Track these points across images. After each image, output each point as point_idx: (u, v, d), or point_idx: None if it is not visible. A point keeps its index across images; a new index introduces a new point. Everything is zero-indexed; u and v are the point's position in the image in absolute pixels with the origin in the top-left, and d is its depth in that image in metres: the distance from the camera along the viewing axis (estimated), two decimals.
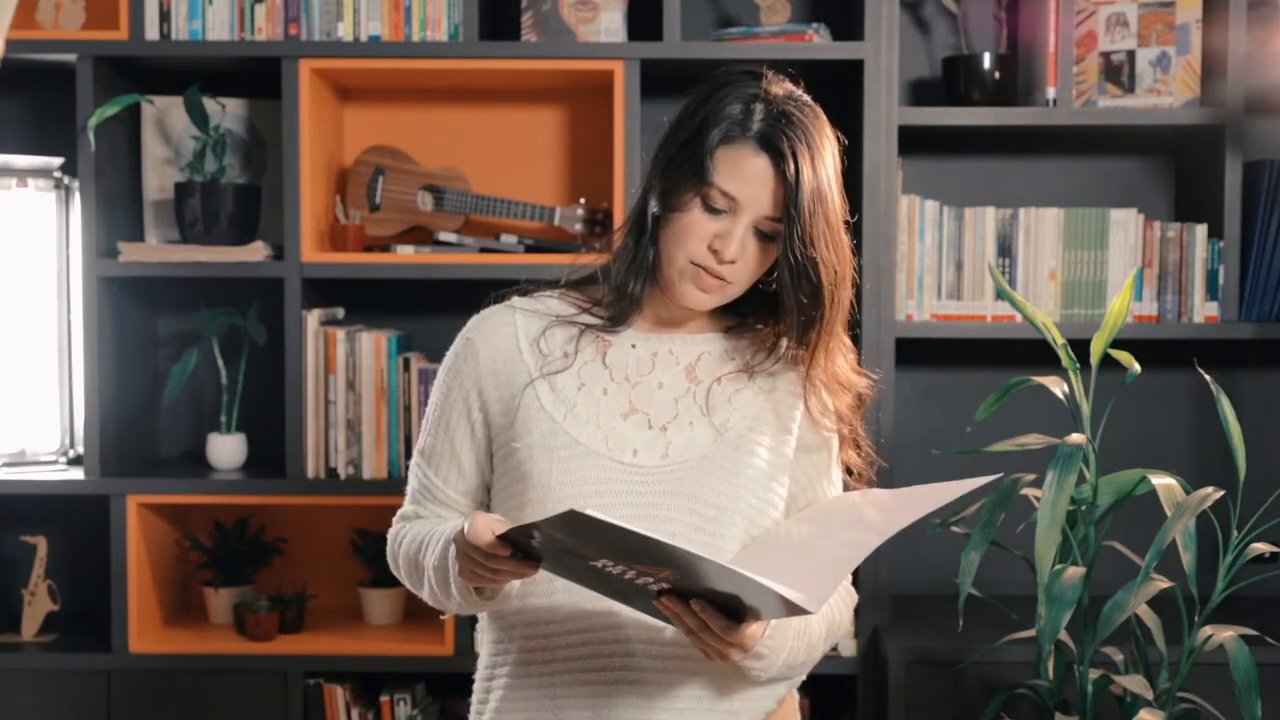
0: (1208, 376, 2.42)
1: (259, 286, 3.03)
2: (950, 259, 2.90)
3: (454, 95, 3.11)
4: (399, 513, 1.75)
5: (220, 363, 3.01)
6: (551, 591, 1.62)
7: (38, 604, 2.95)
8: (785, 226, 1.57)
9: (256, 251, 2.87)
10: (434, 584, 1.62)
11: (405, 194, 3.02)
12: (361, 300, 3.11)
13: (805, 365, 1.65)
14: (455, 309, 3.10)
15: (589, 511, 1.32)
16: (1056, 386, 2.39)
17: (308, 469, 2.87)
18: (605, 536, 1.36)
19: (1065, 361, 2.34)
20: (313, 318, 2.87)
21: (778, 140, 1.56)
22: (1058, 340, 2.38)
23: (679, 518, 1.60)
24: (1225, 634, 2.28)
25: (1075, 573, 2.24)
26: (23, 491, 2.88)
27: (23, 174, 2.94)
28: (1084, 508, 2.37)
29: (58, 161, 2.98)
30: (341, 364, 2.88)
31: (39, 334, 2.97)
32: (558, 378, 1.65)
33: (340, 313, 3.07)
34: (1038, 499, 2.28)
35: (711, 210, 1.58)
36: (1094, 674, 2.38)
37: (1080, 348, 2.39)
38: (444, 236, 2.94)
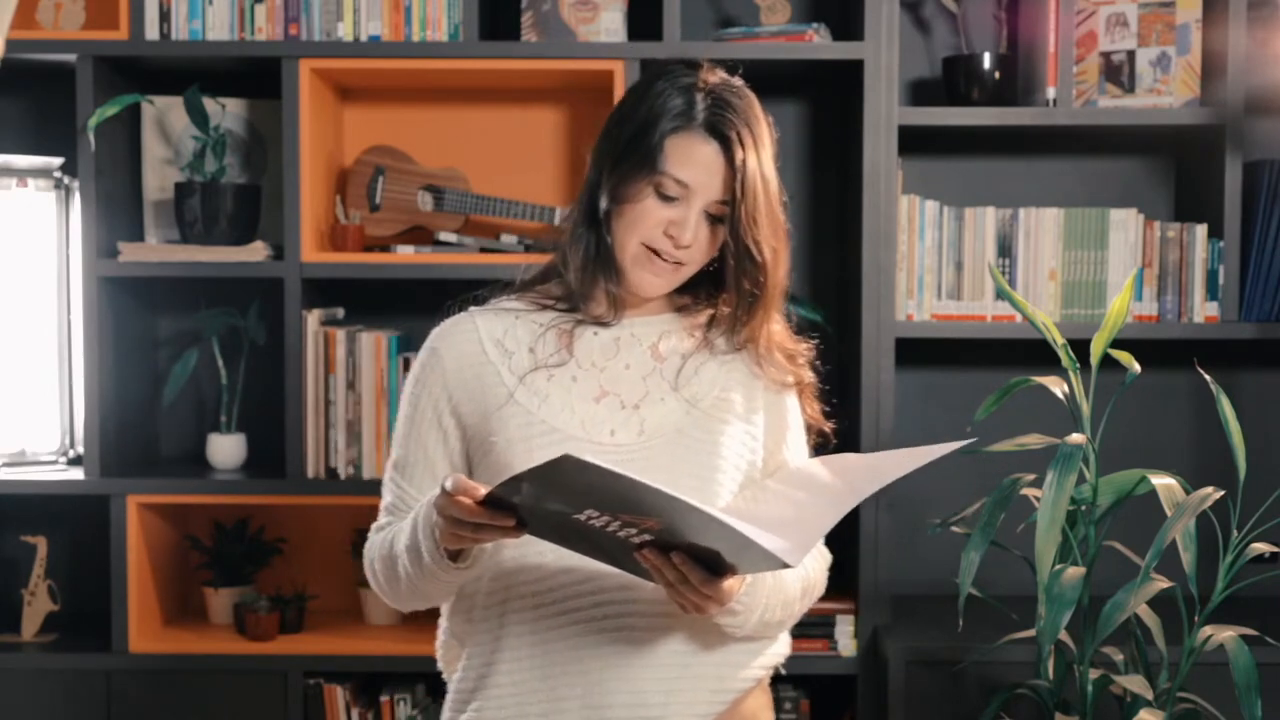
0: (1208, 376, 2.42)
1: (259, 286, 3.03)
2: (950, 259, 2.90)
3: (454, 95, 3.11)
4: (373, 527, 1.76)
5: (220, 363, 3.01)
6: (540, 551, 1.63)
7: (38, 604, 2.95)
8: (731, 209, 1.64)
9: (256, 251, 2.88)
10: (408, 566, 1.63)
11: (405, 194, 3.02)
12: (361, 300, 3.11)
13: (753, 337, 1.72)
14: (453, 308, 3.13)
15: (583, 456, 1.34)
16: (1056, 386, 2.39)
17: (308, 469, 2.87)
18: (595, 483, 1.38)
19: (1065, 361, 2.34)
20: (313, 318, 2.87)
21: (724, 127, 1.64)
22: (1058, 340, 2.38)
23: (673, 492, 1.62)
24: (1225, 634, 2.28)
25: (1075, 573, 2.24)
26: (23, 491, 2.88)
27: (23, 174, 2.94)
28: (1084, 508, 2.37)
29: (58, 161, 2.98)
30: (341, 364, 2.88)
31: (39, 334, 2.97)
32: (526, 372, 1.69)
33: (340, 313, 3.07)
34: (1038, 499, 2.28)
35: (664, 198, 1.65)
36: (1094, 674, 2.38)
37: (1080, 348, 2.39)
38: (444, 236, 2.94)
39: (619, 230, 1.67)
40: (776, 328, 1.75)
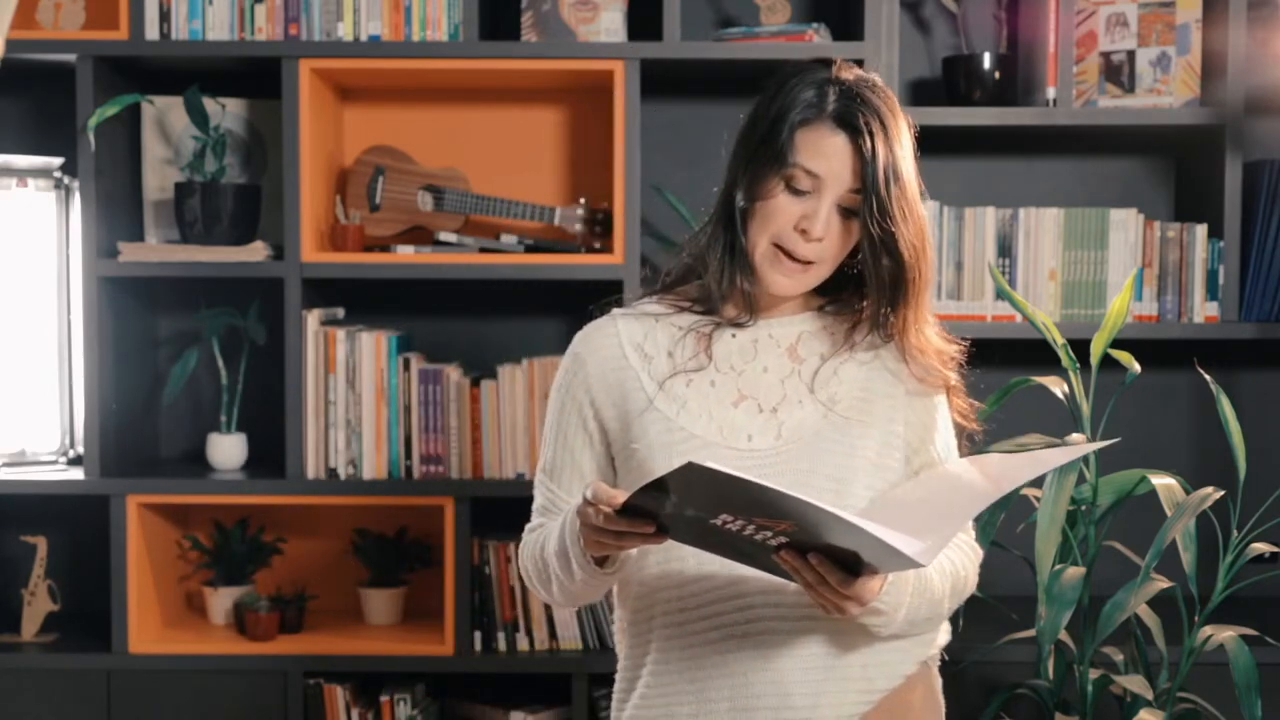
0: (1208, 376, 2.42)
1: (259, 286, 3.03)
2: (950, 259, 2.90)
3: (454, 95, 3.11)
4: (526, 528, 1.79)
5: (220, 363, 3.01)
6: (682, 558, 1.65)
7: (38, 604, 2.95)
8: (864, 201, 1.62)
9: (256, 251, 2.88)
10: (557, 571, 1.66)
11: (405, 194, 3.02)
12: (361, 300, 3.11)
13: (900, 336, 1.69)
14: (455, 309, 3.13)
15: (706, 464, 1.34)
16: (1056, 386, 2.40)
17: (308, 469, 2.87)
18: (722, 489, 1.38)
19: (1065, 361, 2.34)
20: (313, 318, 2.87)
21: (853, 117, 1.62)
22: (1058, 340, 2.38)
23: (800, 495, 1.62)
24: (1225, 634, 2.29)
25: (1075, 573, 2.24)
26: (23, 491, 2.88)
27: (23, 174, 2.94)
28: (1084, 508, 2.37)
29: (58, 161, 2.98)
30: (341, 364, 2.88)
31: (39, 334, 2.97)
32: (666, 378, 1.69)
33: (340, 313, 3.06)
34: (1038, 499, 2.29)
35: (795, 192, 1.63)
36: (1094, 674, 2.38)
37: (1080, 348, 2.39)
38: (444, 236, 2.93)
39: (752, 229, 1.66)
40: (929, 331, 1.72)
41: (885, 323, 1.69)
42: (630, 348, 1.72)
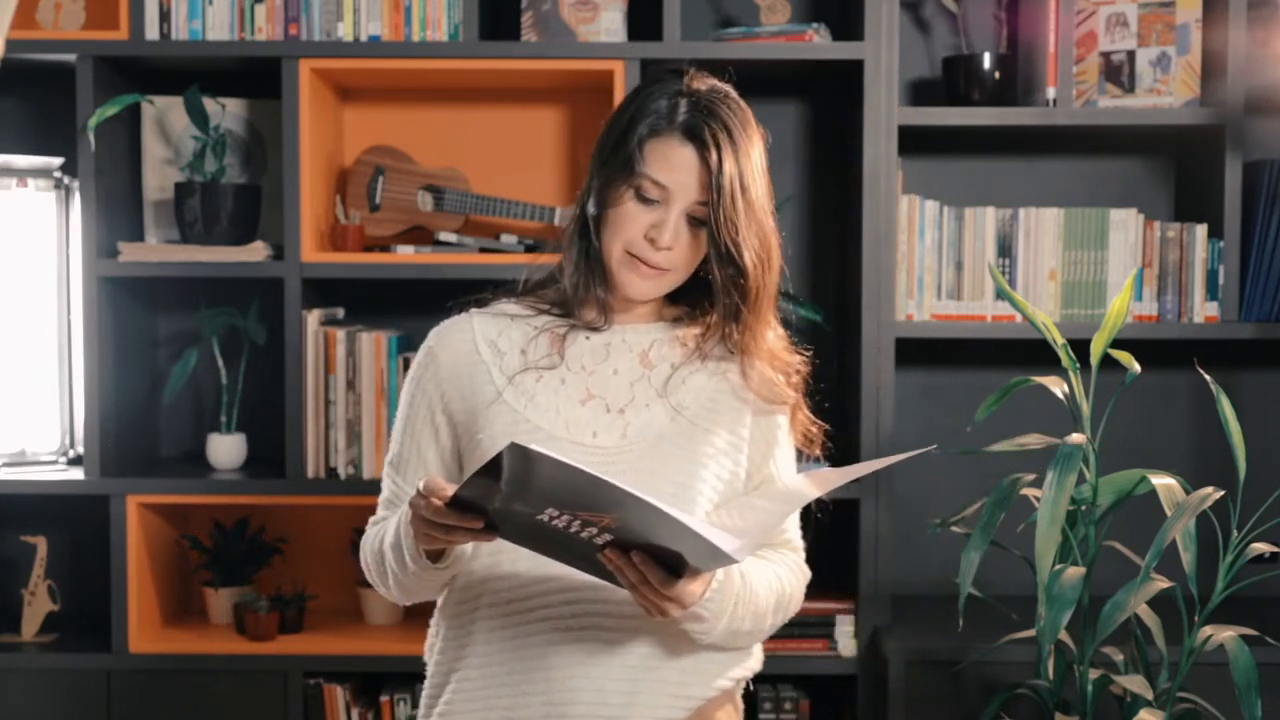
0: (1208, 376, 2.42)
1: (259, 286, 3.03)
2: (950, 259, 2.90)
3: (454, 95, 3.11)
4: (370, 520, 1.80)
5: (220, 363, 3.01)
6: (514, 550, 1.65)
7: (38, 604, 2.95)
8: (709, 211, 1.65)
9: (256, 251, 2.88)
10: (393, 564, 1.67)
11: (405, 194, 3.02)
12: (361, 300, 3.11)
13: (743, 347, 1.72)
14: (455, 309, 3.13)
15: (532, 446, 1.36)
16: (1056, 386, 2.39)
17: (308, 469, 2.87)
18: (545, 474, 1.39)
19: (1065, 361, 2.34)
20: (313, 318, 2.87)
21: (700, 130, 1.65)
22: (1058, 340, 2.38)
23: (618, 482, 1.63)
24: (1225, 634, 2.28)
25: (1075, 573, 2.24)
26: (23, 491, 2.88)
27: (23, 174, 2.94)
28: (1084, 508, 2.37)
29: (58, 161, 2.98)
30: (341, 364, 2.88)
31: (39, 334, 2.97)
32: (516, 373, 1.71)
33: (340, 313, 3.07)
34: (1038, 499, 2.28)
35: (645, 201, 1.67)
36: (1094, 674, 2.38)
37: (1080, 348, 2.39)
38: (444, 236, 2.94)
39: (605, 235, 1.68)
40: (771, 335, 1.74)
41: (728, 334, 1.71)
42: (484, 343, 1.74)
